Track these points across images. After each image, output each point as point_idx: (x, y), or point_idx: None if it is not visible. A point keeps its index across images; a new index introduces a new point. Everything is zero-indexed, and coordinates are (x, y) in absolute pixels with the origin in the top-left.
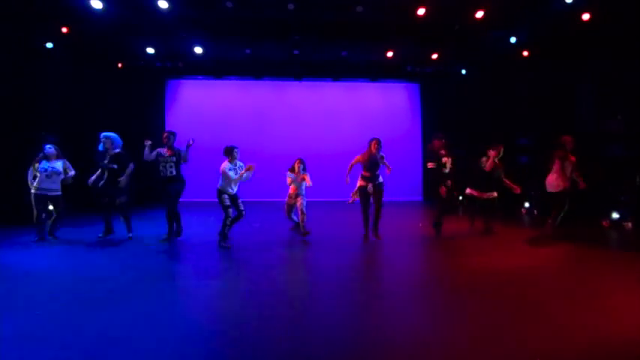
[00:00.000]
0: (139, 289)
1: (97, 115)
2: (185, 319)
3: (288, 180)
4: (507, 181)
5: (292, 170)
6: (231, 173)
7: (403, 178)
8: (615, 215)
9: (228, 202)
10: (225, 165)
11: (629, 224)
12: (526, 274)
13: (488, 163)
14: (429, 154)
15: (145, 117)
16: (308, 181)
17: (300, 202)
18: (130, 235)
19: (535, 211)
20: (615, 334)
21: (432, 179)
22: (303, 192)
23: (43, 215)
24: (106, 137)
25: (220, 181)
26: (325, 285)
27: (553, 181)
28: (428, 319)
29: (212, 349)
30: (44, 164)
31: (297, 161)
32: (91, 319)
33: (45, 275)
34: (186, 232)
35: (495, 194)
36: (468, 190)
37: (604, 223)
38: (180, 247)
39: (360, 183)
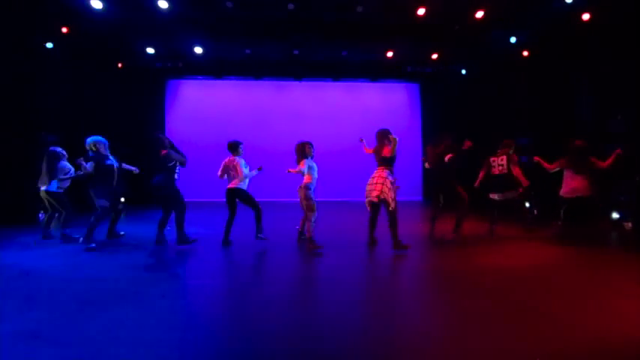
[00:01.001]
0: (140, 289)
1: (97, 115)
2: (186, 319)
3: (303, 166)
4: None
5: (305, 156)
6: (247, 170)
7: (403, 177)
8: (615, 215)
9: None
10: (242, 161)
11: (629, 224)
12: (526, 274)
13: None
14: (445, 149)
15: (145, 117)
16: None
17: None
18: (123, 232)
19: (535, 211)
20: (615, 334)
21: (447, 177)
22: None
23: (47, 214)
24: (97, 141)
25: (244, 180)
26: (329, 285)
27: (588, 185)
28: (429, 318)
29: (213, 350)
30: (67, 165)
31: (307, 145)
32: (92, 319)
33: (45, 275)
34: (188, 232)
35: (520, 191)
36: (490, 195)
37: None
38: (181, 246)
39: (392, 179)
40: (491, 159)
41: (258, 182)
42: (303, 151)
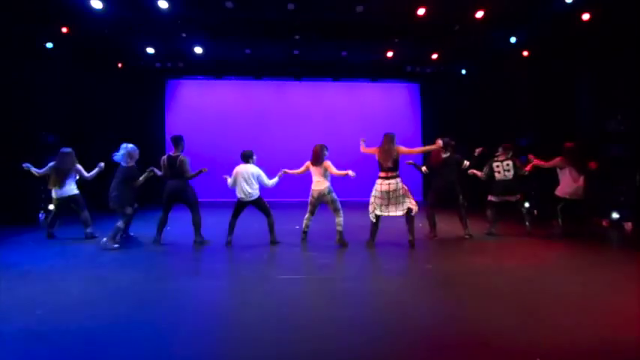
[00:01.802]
0: (140, 289)
1: (97, 115)
2: (187, 319)
3: (333, 169)
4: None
5: (324, 159)
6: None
7: (403, 178)
8: (615, 215)
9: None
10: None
11: (629, 224)
12: (526, 274)
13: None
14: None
15: (145, 117)
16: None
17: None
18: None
19: (535, 211)
20: (615, 334)
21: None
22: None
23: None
24: (135, 151)
25: (259, 187)
26: (328, 284)
27: (584, 186)
28: (428, 318)
29: (215, 350)
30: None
31: (325, 147)
32: (92, 319)
33: (45, 275)
34: (188, 232)
35: (519, 196)
36: (489, 197)
37: (604, 223)
38: (181, 247)
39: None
40: (495, 164)
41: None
42: (322, 153)
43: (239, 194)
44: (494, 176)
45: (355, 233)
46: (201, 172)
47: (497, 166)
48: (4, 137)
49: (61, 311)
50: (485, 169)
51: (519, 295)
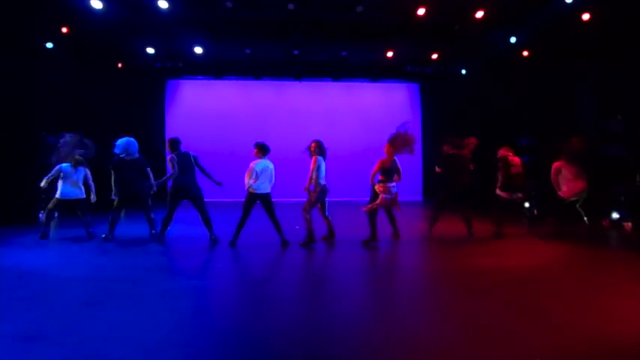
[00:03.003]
0: (139, 289)
1: (97, 115)
2: (186, 319)
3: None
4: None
5: None
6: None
7: (403, 177)
8: (615, 215)
9: None
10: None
11: (629, 224)
12: (526, 274)
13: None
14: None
15: (145, 117)
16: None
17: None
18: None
19: (535, 211)
20: (615, 334)
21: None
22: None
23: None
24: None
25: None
26: (328, 285)
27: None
28: (429, 318)
29: (213, 349)
30: None
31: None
32: (91, 319)
33: (45, 275)
34: (187, 232)
35: (521, 195)
36: (498, 192)
37: (604, 223)
38: (181, 246)
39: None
40: (510, 158)
41: None
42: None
43: (258, 187)
44: (511, 172)
45: (356, 232)
46: (217, 183)
47: (512, 160)
48: (4, 137)
49: (61, 311)
50: (503, 167)
51: (519, 294)
